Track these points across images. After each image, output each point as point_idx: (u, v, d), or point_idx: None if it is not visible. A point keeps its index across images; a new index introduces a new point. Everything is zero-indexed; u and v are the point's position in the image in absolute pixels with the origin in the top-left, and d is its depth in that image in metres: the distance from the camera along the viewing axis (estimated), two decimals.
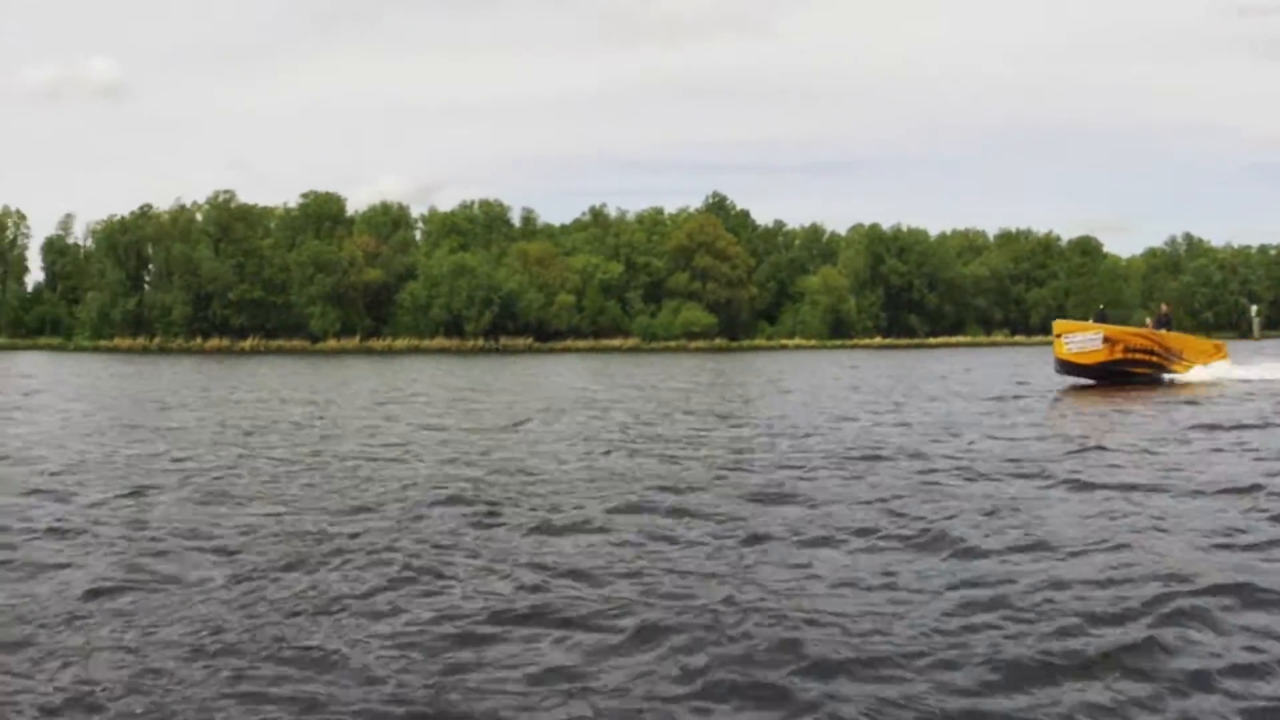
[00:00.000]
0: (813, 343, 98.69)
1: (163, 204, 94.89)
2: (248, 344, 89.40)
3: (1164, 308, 30.02)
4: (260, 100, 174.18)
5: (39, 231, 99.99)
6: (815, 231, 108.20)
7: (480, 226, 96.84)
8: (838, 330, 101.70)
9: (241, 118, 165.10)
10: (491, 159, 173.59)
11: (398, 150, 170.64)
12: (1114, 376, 26.82)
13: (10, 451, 14.38)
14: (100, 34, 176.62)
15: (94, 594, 6.55)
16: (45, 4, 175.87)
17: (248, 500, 10.13)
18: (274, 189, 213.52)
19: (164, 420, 19.81)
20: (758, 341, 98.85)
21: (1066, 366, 27.18)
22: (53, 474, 11.98)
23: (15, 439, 16.17)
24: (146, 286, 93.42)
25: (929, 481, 10.74)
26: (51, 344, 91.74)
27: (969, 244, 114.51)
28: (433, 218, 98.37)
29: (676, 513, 9.10)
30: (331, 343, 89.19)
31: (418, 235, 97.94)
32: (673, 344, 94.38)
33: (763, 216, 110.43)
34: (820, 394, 27.51)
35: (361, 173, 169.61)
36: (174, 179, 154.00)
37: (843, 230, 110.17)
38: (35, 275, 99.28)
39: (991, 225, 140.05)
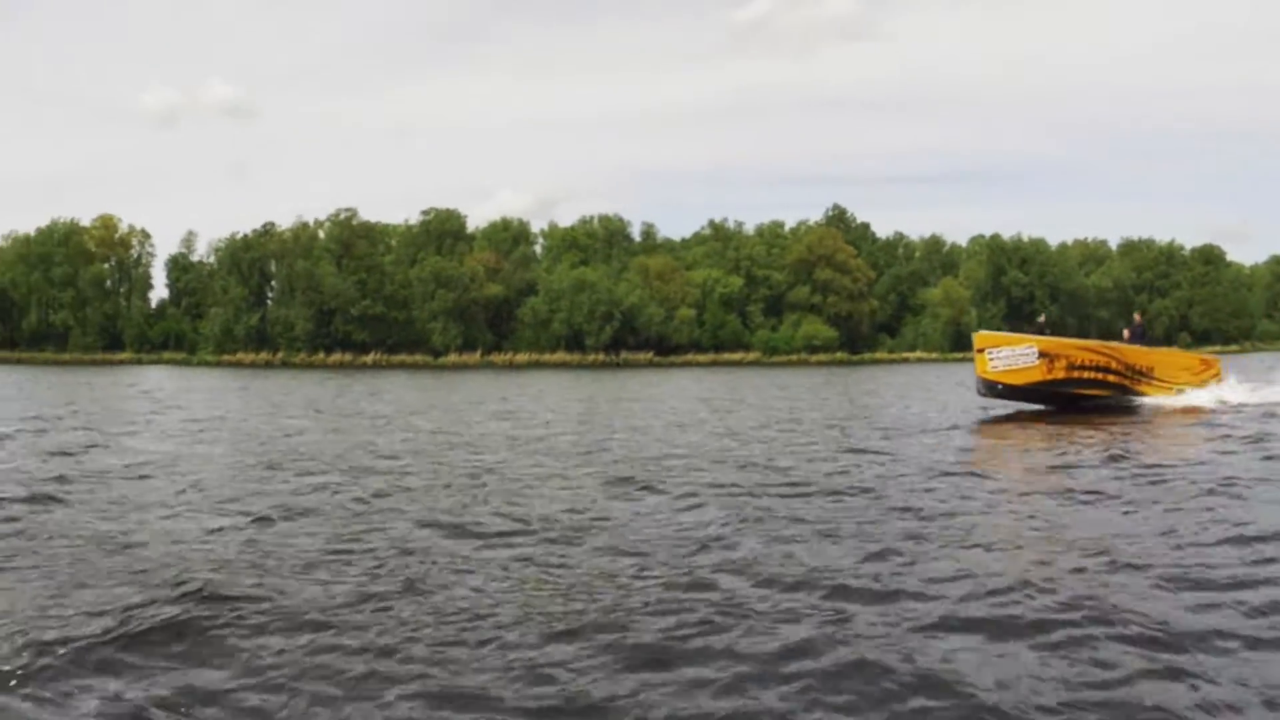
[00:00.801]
0: (934, 355, 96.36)
1: (284, 222, 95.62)
2: (369, 359, 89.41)
3: (1137, 318, 24.48)
4: (380, 118, 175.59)
5: (163, 250, 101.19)
6: (936, 243, 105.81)
7: (600, 241, 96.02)
8: (959, 343, 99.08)
9: (361, 135, 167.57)
10: (611, 173, 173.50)
11: (517, 166, 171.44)
12: (1055, 400, 21.51)
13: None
14: (220, 57, 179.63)
15: None
16: (165, 30, 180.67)
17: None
18: (395, 206, 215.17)
19: (462, 432, 18.33)
20: (879, 355, 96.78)
21: (992, 388, 21.46)
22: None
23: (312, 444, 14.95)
24: (269, 302, 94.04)
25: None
26: (175, 359, 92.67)
27: (1090, 254, 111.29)
28: (553, 233, 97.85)
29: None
30: (453, 357, 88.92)
31: (538, 250, 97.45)
32: (793, 358, 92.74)
33: (883, 228, 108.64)
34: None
35: (482, 189, 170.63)
36: (295, 197, 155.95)
37: (963, 241, 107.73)
38: (159, 292, 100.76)
39: (1112, 234, 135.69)
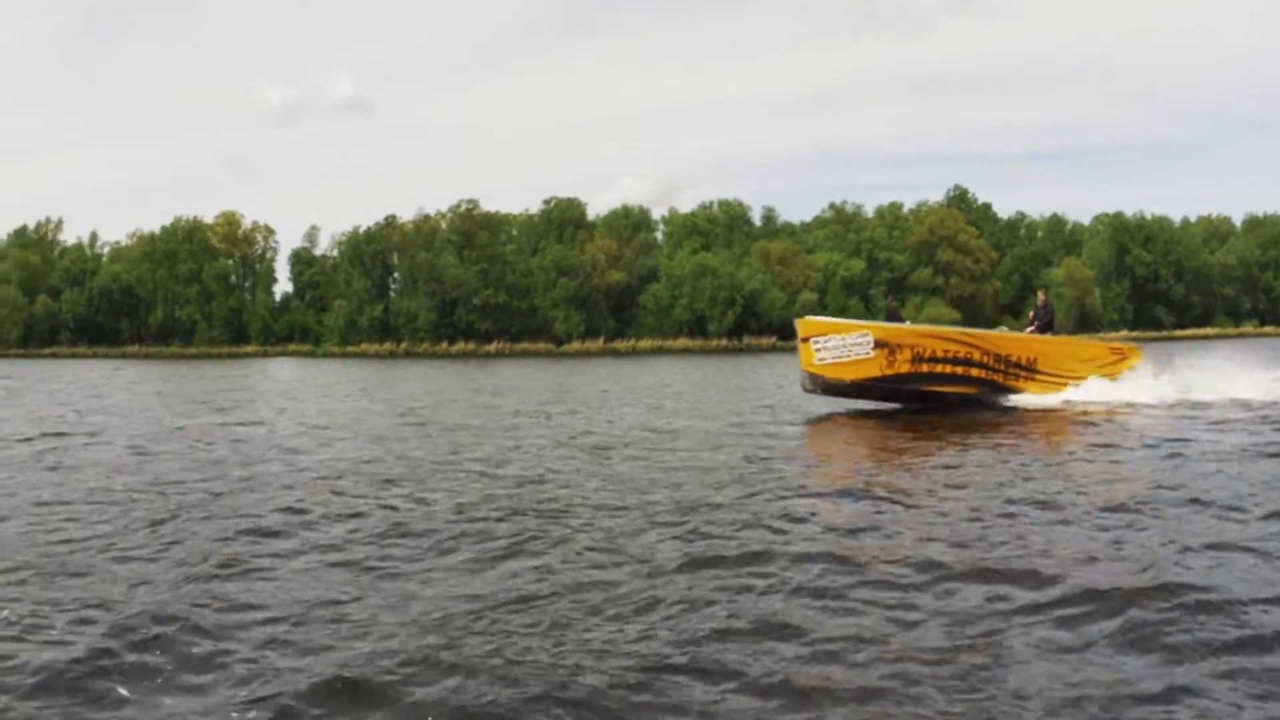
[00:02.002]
0: None
1: (406, 214, 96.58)
2: (492, 348, 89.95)
3: (1040, 297, 20.18)
4: (499, 108, 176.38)
5: (286, 244, 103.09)
6: (1058, 222, 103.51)
7: (721, 226, 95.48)
8: (1083, 324, 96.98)
9: (481, 126, 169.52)
10: (730, 158, 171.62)
11: (637, 153, 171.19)
12: (900, 399, 18.12)
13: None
14: (341, 53, 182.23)
15: None
16: (283, 28, 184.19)
17: None
18: (516, 196, 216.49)
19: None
20: None
21: (820, 383, 17.96)
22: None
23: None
24: (392, 294, 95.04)
25: None
26: (300, 350, 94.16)
27: (1214, 230, 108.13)
28: (673, 219, 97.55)
29: None
30: (575, 345, 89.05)
31: (659, 237, 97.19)
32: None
33: (1004, 208, 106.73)
34: None
35: (602, 177, 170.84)
36: (416, 189, 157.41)
37: (1085, 220, 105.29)
38: (283, 285, 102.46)
39: (1236, 210, 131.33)
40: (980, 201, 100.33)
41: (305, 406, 23.48)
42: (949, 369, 17.67)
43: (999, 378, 17.77)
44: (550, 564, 6.50)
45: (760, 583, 5.90)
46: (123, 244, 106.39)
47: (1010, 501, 8.36)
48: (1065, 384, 17.74)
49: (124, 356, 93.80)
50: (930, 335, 18.12)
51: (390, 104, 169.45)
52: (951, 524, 7.54)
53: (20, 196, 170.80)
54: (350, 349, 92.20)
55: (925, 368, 17.61)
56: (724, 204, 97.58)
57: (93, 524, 8.10)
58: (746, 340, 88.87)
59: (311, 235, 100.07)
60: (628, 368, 50.78)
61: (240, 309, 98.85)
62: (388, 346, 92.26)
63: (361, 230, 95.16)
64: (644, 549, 6.81)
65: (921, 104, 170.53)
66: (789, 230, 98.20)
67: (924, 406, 17.75)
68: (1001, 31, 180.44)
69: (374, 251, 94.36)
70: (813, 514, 7.99)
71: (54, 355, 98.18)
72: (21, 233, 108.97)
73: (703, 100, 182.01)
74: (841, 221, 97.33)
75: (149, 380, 40.48)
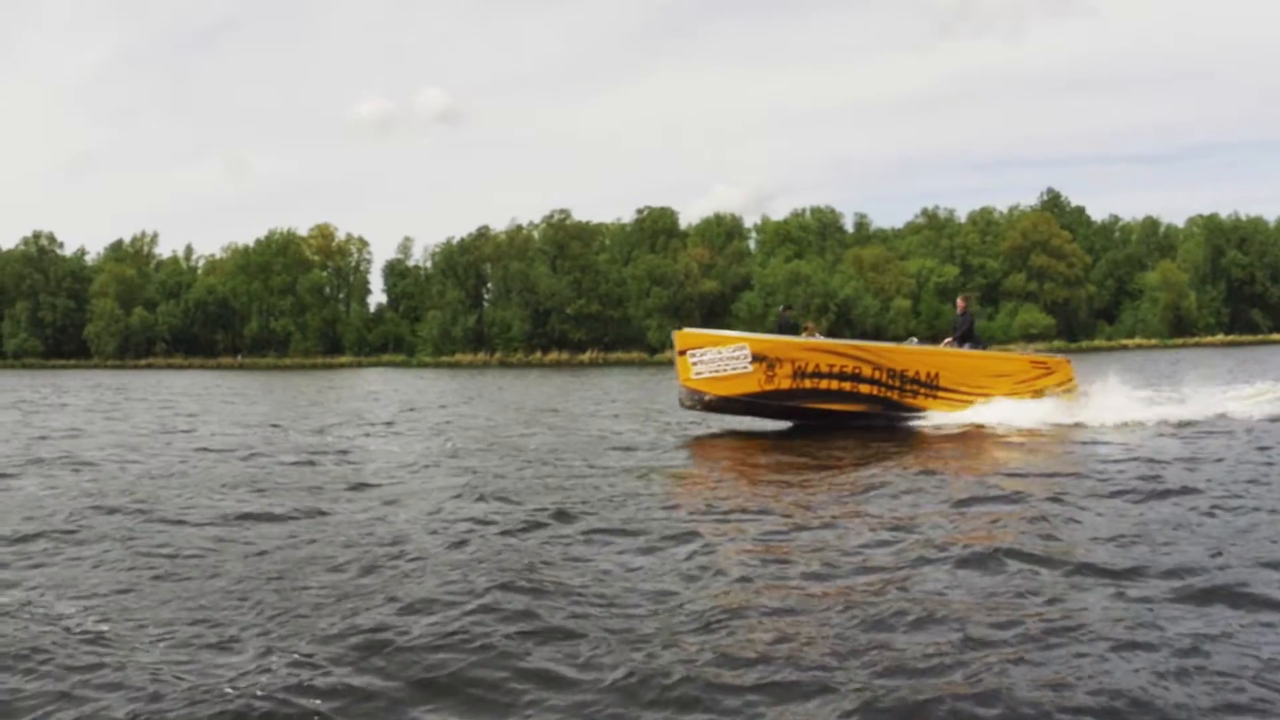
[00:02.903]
0: (1154, 342, 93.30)
1: (498, 224, 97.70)
2: (586, 357, 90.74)
3: (959, 304, 18.30)
4: (588, 119, 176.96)
5: (380, 255, 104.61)
6: (1152, 225, 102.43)
7: (813, 234, 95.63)
8: (1178, 328, 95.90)
9: (571, 137, 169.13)
10: (822, 165, 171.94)
11: (729, 161, 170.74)
12: (784, 416, 16.62)
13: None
14: (433, 66, 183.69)
15: None
16: (374, 43, 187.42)
17: None
18: (608, 206, 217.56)
19: None
20: (1097, 342, 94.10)
21: (698, 398, 16.45)
22: None
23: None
24: (485, 304, 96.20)
25: None
26: (394, 360, 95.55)
27: None
28: (766, 227, 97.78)
29: None
30: (669, 354, 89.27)
31: (751, 245, 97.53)
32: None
33: (1097, 211, 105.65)
34: None
35: (694, 186, 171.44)
36: (508, 200, 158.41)
37: (1180, 222, 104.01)
38: (377, 296, 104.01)
39: None
40: (1074, 205, 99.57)
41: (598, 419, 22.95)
42: (835, 385, 16.04)
43: (893, 394, 16.11)
44: None
45: None
46: (217, 257, 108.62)
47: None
48: (972, 402, 16.01)
49: (219, 368, 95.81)
50: (815, 349, 16.36)
51: (482, 115, 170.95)
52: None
53: (116, 211, 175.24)
54: (444, 359, 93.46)
55: (808, 383, 16.01)
56: (816, 211, 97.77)
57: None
58: None
59: (405, 246, 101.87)
60: None
61: (334, 320, 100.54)
62: (481, 356, 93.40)
63: (455, 241, 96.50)
64: None
65: (1014, 107, 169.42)
66: (881, 236, 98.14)
67: (821, 425, 16.26)
68: (1095, 33, 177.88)
69: (467, 262, 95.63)
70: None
71: (150, 366, 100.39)
72: (117, 247, 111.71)
73: (795, 106, 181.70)
74: (934, 227, 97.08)
75: (329, 389, 41.42)
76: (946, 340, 17.51)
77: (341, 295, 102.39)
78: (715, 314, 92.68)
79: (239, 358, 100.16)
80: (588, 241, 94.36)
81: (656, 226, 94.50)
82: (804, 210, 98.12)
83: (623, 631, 5.23)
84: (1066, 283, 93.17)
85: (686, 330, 17.15)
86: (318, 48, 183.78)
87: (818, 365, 15.93)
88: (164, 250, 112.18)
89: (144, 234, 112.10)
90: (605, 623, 5.36)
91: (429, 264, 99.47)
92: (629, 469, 11.77)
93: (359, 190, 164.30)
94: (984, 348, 17.44)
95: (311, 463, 12.89)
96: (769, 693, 4.42)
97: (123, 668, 4.76)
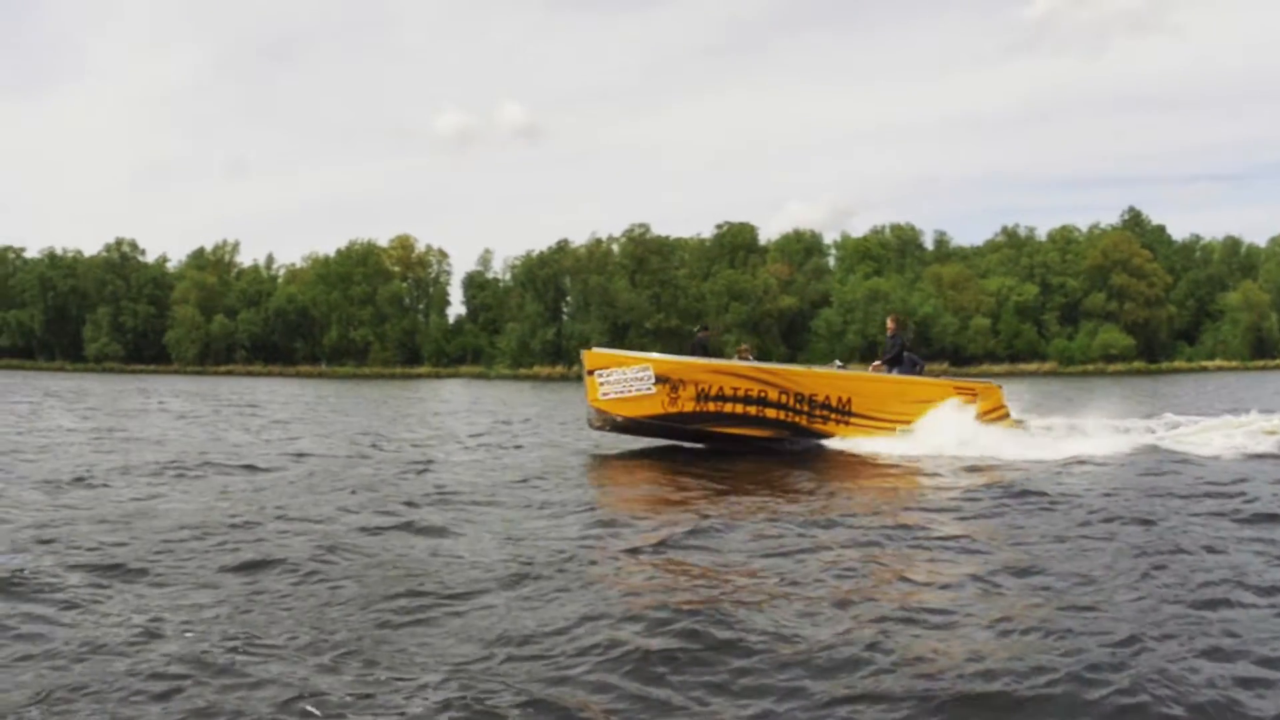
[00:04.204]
0: (1234, 364, 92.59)
1: (577, 238, 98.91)
2: None
3: (890, 325, 17.14)
4: (668, 134, 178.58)
5: (459, 268, 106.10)
6: (1234, 244, 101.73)
7: (893, 251, 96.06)
8: (1260, 349, 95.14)
9: (651, 152, 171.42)
10: (902, 182, 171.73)
11: (808, 178, 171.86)
12: (689, 439, 16.21)
13: None
14: (512, 80, 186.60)
15: None
16: (456, 60, 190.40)
17: None
18: (687, 221, 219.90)
19: None
20: (1177, 364, 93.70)
21: (605, 419, 16.12)
22: None
23: None
24: (564, 317, 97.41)
25: None
26: (472, 372, 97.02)
27: None
28: (845, 243, 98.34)
29: None
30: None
31: (830, 262, 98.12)
32: (1089, 367, 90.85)
33: (1178, 230, 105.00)
34: None
35: (773, 201, 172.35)
36: (587, 213, 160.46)
37: (1262, 242, 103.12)
38: (456, 308, 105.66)
39: None
40: (1154, 224, 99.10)
41: None
42: (740, 409, 15.49)
43: (801, 420, 15.52)
44: None
45: None
46: (298, 266, 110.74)
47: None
48: (889, 428, 15.29)
49: (299, 375, 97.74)
50: (720, 370, 15.64)
51: (561, 130, 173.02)
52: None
53: (198, 220, 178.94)
54: (522, 371, 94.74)
55: (712, 406, 15.50)
56: (896, 228, 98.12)
57: None
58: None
59: (485, 259, 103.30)
60: None
61: (414, 330, 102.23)
62: (559, 369, 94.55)
63: (534, 254, 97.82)
64: None
65: (1094, 124, 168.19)
66: (961, 254, 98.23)
67: (733, 449, 15.80)
68: (1176, 50, 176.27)
69: (546, 275, 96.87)
70: None
71: (229, 373, 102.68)
72: (199, 255, 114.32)
73: (874, 123, 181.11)
74: (1014, 245, 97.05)
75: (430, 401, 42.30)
76: (875, 364, 16.86)
77: (421, 306, 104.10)
78: (794, 330, 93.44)
79: (321, 366, 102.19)
80: (667, 256, 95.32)
81: (736, 242, 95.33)
82: (884, 227, 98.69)
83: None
84: (1147, 303, 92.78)
85: (595, 350, 16.77)
86: (397, 61, 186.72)
87: (721, 388, 15.39)
88: (245, 259, 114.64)
89: (225, 242, 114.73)
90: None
91: (508, 276, 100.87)
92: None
93: (439, 202, 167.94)
94: (918, 372, 16.48)
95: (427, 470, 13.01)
96: None
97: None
